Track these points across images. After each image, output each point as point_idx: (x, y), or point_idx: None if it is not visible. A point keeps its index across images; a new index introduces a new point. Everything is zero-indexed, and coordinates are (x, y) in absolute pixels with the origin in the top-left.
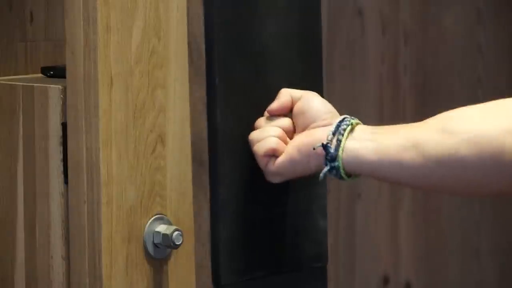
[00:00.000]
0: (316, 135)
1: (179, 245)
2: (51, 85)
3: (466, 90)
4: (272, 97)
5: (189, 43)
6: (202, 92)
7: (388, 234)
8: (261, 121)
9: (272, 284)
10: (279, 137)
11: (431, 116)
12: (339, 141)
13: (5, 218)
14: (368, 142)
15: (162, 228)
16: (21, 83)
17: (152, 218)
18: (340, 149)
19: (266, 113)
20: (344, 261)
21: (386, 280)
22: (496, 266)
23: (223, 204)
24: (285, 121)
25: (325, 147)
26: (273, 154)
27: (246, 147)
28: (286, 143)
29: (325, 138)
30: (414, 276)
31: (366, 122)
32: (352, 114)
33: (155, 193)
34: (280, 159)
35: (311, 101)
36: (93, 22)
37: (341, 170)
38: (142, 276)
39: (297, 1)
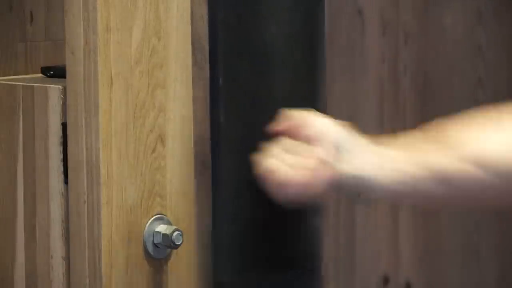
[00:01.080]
0: (324, 157)
1: (179, 245)
2: (51, 85)
3: (466, 90)
4: (275, 97)
5: (192, 43)
6: (205, 92)
7: (388, 234)
8: (270, 147)
9: (269, 283)
10: (289, 163)
11: (431, 116)
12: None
13: (5, 218)
14: (379, 169)
15: (162, 228)
16: (21, 83)
17: (152, 218)
18: (350, 173)
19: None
20: (344, 261)
21: (386, 280)
22: (496, 266)
23: (225, 204)
24: (292, 145)
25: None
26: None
27: (248, 148)
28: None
29: (335, 160)
30: (414, 276)
31: (366, 122)
32: (352, 114)
33: (155, 193)
34: (293, 187)
35: (316, 123)
36: (93, 22)
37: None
38: (142, 276)
39: (301, 1)
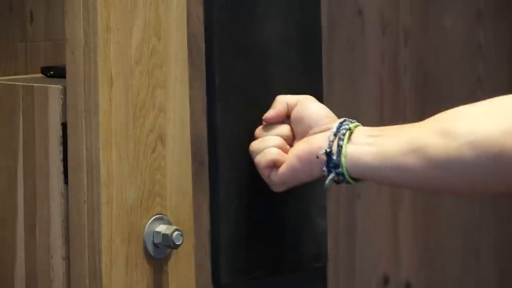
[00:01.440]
0: (316, 142)
1: (179, 245)
2: (51, 85)
3: (466, 90)
4: (272, 97)
5: (188, 43)
6: (201, 92)
7: (388, 234)
8: (260, 130)
9: (271, 284)
10: (279, 147)
11: (431, 116)
12: (340, 146)
13: (5, 218)
14: (368, 146)
15: (162, 228)
16: (21, 83)
17: (152, 218)
18: (342, 155)
19: (263, 122)
20: (344, 261)
21: (386, 280)
22: (496, 266)
23: (223, 204)
24: (284, 129)
25: (327, 154)
26: (275, 165)
27: (246, 147)
28: (286, 151)
29: (326, 145)
30: (414, 276)
31: (366, 122)
32: (352, 114)
33: (155, 193)
34: (281, 170)
35: (308, 107)
36: (93, 22)
37: (346, 176)
38: (142, 276)
39: (297, 0)
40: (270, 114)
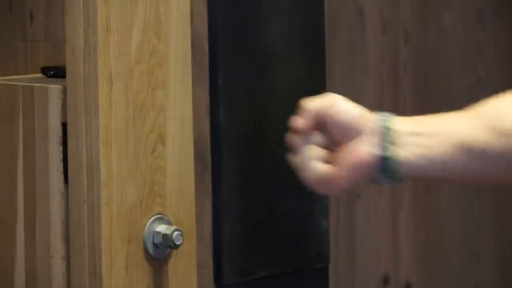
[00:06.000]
0: (363, 148)
1: (179, 245)
2: (51, 85)
3: (466, 90)
4: (276, 97)
5: (192, 43)
6: (205, 92)
7: (388, 234)
8: (297, 144)
9: (274, 284)
10: (321, 158)
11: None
12: (386, 150)
13: (5, 218)
14: (416, 147)
15: (162, 228)
16: (21, 83)
17: (152, 218)
18: (392, 159)
19: (292, 131)
20: (344, 261)
21: (386, 280)
22: (496, 266)
23: (226, 204)
24: (319, 139)
25: (379, 160)
26: (325, 182)
27: (249, 147)
28: (322, 157)
29: (375, 150)
30: (414, 276)
31: None
32: None
33: (155, 193)
34: (335, 183)
35: (340, 110)
36: (93, 22)
37: (398, 177)
38: (142, 276)
39: (301, 1)
40: (299, 122)
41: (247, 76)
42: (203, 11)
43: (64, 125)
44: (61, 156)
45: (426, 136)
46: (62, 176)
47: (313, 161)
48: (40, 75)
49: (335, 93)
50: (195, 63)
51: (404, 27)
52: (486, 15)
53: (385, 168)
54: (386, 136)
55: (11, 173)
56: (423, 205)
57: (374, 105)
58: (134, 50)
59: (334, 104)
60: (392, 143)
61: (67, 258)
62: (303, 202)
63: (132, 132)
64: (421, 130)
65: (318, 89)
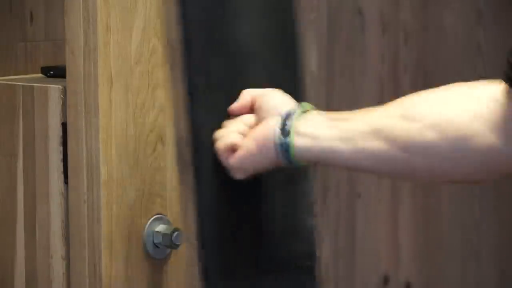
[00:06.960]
0: (270, 123)
1: (179, 245)
2: (51, 85)
3: None
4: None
5: (169, 44)
6: (182, 93)
7: (388, 234)
8: (226, 122)
9: (261, 283)
10: (241, 132)
11: None
12: (290, 124)
13: (5, 218)
14: (329, 129)
15: (162, 228)
16: (21, 83)
17: (152, 218)
18: (292, 132)
19: (229, 114)
20: (344, 261)
21: (386, 280)
22: (496, 266)
23: (209, 203)
24: (248, 117)
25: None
26: (234, 148)
27: None
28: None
29: (279, 124)
30: (414, 276)
31: None
32: None
33: (155, 193)
34: (238, 152)
35: (270, 96)
36: (93, 22)
37: (292, 154)
38: (142, 276)
39: (272, 0)
40: (234, 105)
41: (221, 75)
42: (174, 12)
43: (64, 125)
44: (61, 156)
45: (342, 120)
46: (62, 176)
47: (232, 133)
48: (40, 75)
49: (335, 94)
50: (173, 63)
51: (404, 27)
52: (486, 15)
53: (283, 148)
54: (290, 118)
55: (11, 173)
56: (423, 205)
57: (374, 105)
58: (134, 50)
59: (268, 92)
60: (293, 126)
61: (67, 258)
62: (288, 200)
63: (132, 132)
64: (338, 116)
65: (293, 84)
